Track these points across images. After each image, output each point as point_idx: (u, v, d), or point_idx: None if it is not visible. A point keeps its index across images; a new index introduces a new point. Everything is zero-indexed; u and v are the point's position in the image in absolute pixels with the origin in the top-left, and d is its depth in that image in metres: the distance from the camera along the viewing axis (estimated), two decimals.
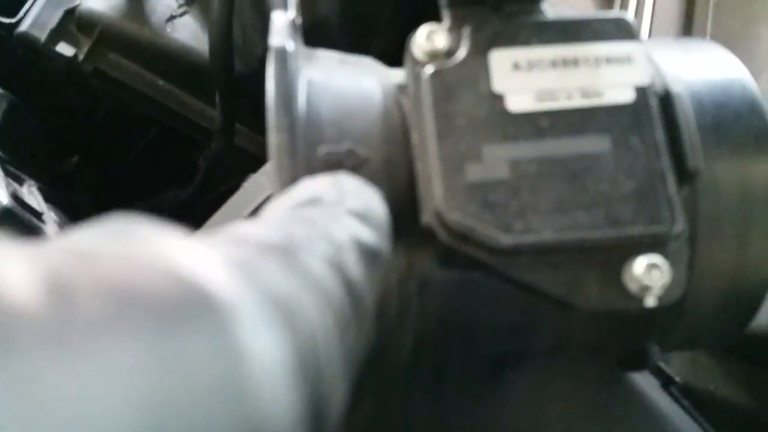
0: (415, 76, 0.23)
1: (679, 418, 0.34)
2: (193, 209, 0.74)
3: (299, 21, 0.26)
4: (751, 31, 0.51)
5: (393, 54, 0.26)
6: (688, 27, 0.55)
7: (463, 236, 0.21)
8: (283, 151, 0.21)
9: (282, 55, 0.22)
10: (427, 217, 0.21)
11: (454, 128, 0.21)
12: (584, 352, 0.31)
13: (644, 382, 0.36)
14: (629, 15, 0.23)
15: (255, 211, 0.41)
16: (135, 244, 0.11)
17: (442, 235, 0.21)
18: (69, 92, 0.67)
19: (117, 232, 0.11)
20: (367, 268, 0.15)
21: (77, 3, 0.61)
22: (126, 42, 0.61)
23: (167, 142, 0.73)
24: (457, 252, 0.21)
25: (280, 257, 0.13)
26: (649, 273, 0.20)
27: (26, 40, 0.60)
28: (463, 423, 0.32)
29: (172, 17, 0.61)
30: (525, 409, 0.33)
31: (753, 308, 0.25)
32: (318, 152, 0.22)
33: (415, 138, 0.22)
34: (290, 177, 0.21)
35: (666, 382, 0.36)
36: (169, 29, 0.60)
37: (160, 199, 0.75)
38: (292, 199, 0.16)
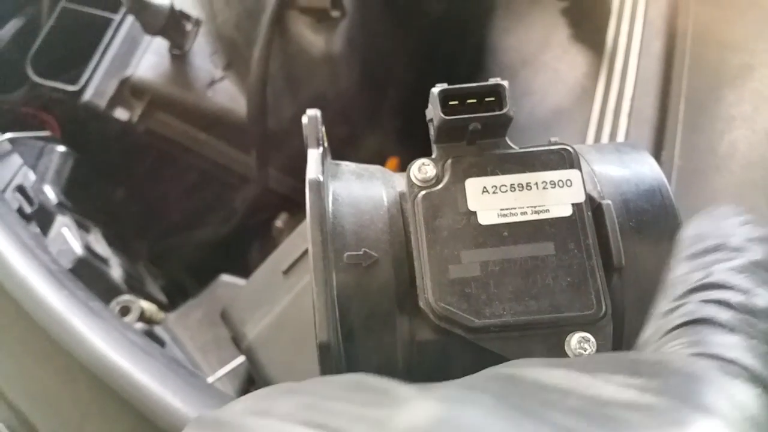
0: (412, 197, 0.31)
1: None
2: (231, 243, 0.83)
3: (326, 145, 0.35)
4: (719, 93, 0.59)
5: (405, 100, 0.33)
6: (666, 87, 0.62)
7: (447, 319, 0.29)
8: (318, 259, 0.29)
9: (315, 185, 0.31)
10: (421, 304, 0.29)
11: (440, 238, 0.30)
12: None
13: None
14: (570, 147, 0.31)
15: (290, 268, 0.49)
16: None
17: (432, 317, 0.29)
18: (123, 147, 0.77)
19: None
20: None
21: (130, 72, 0.70)
22: (173, 105, 0.70)
23: (207, 183, 0.82)
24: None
25: None
26: (581, 345, 0.28)
27: (89, 108, 0.69)
28: None
29: (213, 82, 0.70)
30: None
31: None
32: (343, 257, 0.30)
33: (413, 242, 0.31)
34: (323, 278, 0.29)
35: None
36: (210, 93, 0.69)
37: (200, 234, 0.84)
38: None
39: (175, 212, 0.85)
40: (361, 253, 0.31)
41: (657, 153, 0.57)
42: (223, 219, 0.81)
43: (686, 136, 0.57)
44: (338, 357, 0.29)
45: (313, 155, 0.32)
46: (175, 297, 0.73)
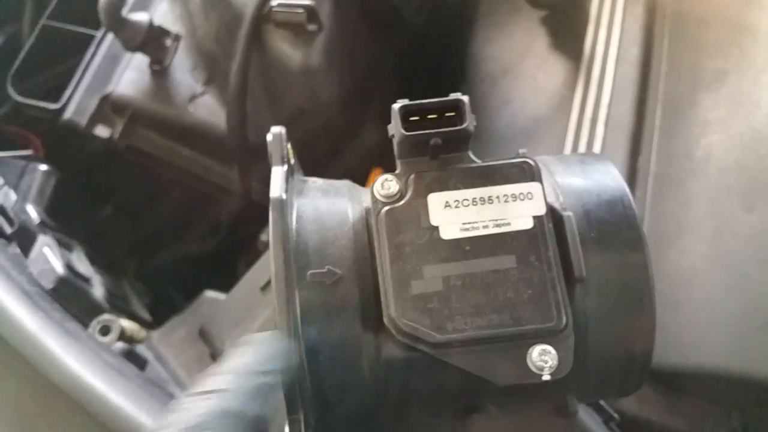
0: (376, 213, 0.31)
1: None
2: (217, 257, 0.83)
3: (294, 161, 0.35)
4: (695, 98, 0.59)
5: (388, 112, 0.33)
6: (643, 94, 0.62)
7: (411, 336, 0.29)
8: (280, 279, 0.29)
9: (278, 204, 0.31)
10: (385, 320, 0.29)
11: (402, 254, 0.30)
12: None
13: (589, 418, 0.44)
14: (531, 160, 0.31)
15: (267, 285, 0.49)
16: None
17: (395, 334, 0.29)
18: (105, 164, 0.77)
19: None
20: None
21: (111, 89, 0.70)
22: (154, 120, 0.70)
23: (192, 199, 0.82)
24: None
25: None
26: (542, 357, 0.29)
27: (70, 126, 0.70)
28: None
29: (193, 96, 0.70)
30: None
31: (642, 370, 0.33)
32: (306, 275, 0.30)
33: (376, 258, 0.31)
34: (285, 297, 0.29)
35: (606, 419, 0.43)
36: (191, 107, 0.70)
37: (186, 249, 0.84)
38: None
39: (160, 228, 0.85)
40: (324, 270, 0.31)
41: (633, 160, 0.57)
42: (209, 234, 0.81)
43: (662, 142, 0.57)
44: (302, 376, 0.29)
45: (277, 173, 0.32)
46: (161, 313, 0.72)
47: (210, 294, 0.66)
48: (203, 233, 0.82)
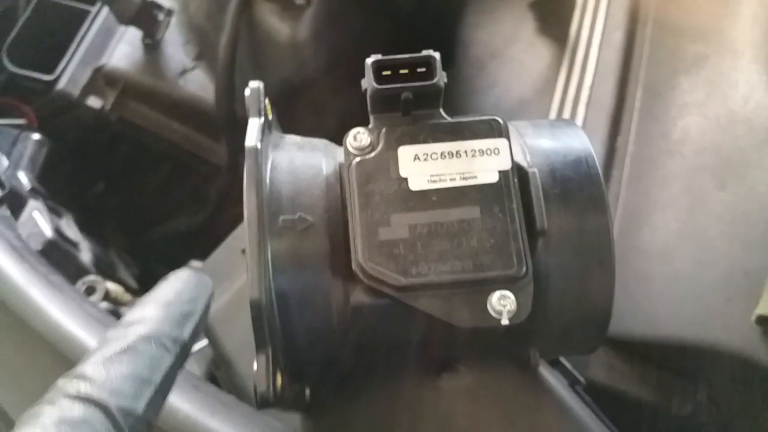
0: (348, 164, 0.32)
1: (578, 408, 0.43)
2: (205, 232, 0.84)
3: (272, 117, 0.36)
4: (674, 81, 0.60)
5: None
6: (624, 77, 0.63)
7: (376, 279, 0.30)
8: (252, 222, 0.30)
9: (253, 152, 0.32)
10: (353, 266, 0.31)
11: (372, 202, 0.31)
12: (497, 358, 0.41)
13: (554, 379, 0.45)
14: (500, 118, 0.33)
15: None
16: None
17: (362, 278, 0.30)
18: (96, 134, 0.78)
19: None
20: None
21: (104, 62, 0.71)
22: (145, 93, 0.71)
23: (181, 174, 0.83)
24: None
25: None
26: (501, 302, 0.30)
27: (63, 96, 0.71)
28: (410, 412, 0.41)
29: (184, 71, 0.71)
30: (458, 400, 0.42)
31: (602, 326, 0.34)
32: (278, 220, 0.31)
33: (348, 207, 0.32)
34: (257, 239, 0.30)
35: (572, 382, 0.45)
36: (182, 81, 0.71)
37: (175, 224, 0.85)
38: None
39: (149, 203, 0.86)
40: (296, 217, 0.32)
41: (612, 140, 0.58)
42: (197, 209, 0.82)
43: (641, 123, 0.58)
44: (271, 316, 0.31)
45: (254, 124, 0.33)
46: (147, 284, 0.73)
47: (196, 264, 0.67)
48: (191, 209, 0.83)
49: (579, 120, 0.61)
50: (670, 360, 0.51)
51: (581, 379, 0.45)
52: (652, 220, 0.53)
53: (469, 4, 0.82)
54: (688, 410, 0.50)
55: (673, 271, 0.50)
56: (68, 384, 0.20)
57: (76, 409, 0.19)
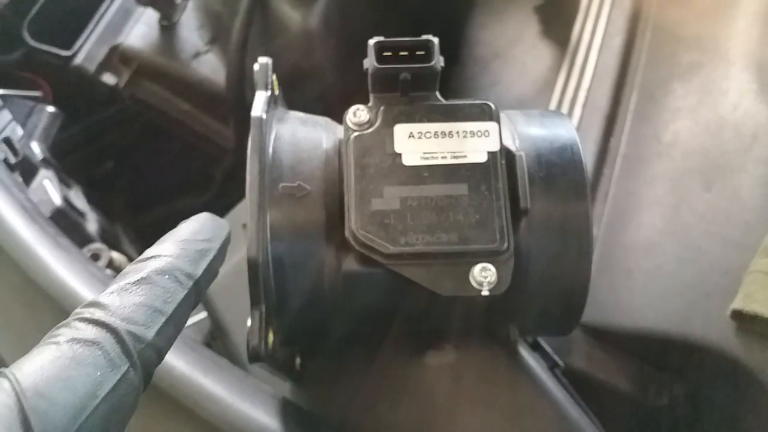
0: (346, 138, 0.34)
1: (555, 389, 0.45)
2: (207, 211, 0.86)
3: (278, 93, 0.38)
4: (669, 86, 0.62)
5: None
6: (621, 80, 0.66)
7: (367, 246, 0.32)
8: (254, 187, 0.33)
9: (258, 122, 0.34)
10: (346, 233, 0.33)
11: (366, 174, 0.33)
12: (478, 335, 0.43)
13: (534, 362, 0.47)
14: (492, 103, 0.35)
15: None
16: None
17: (354, 244, 0.32)
18: (110, 112, 0.80)
19: None
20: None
21: (120, 40, 0.74)
22: (159, 73, 0.73)
23: (189, 155, 0.85)
24: (365, 255, 0.33)
25: None
26: (483, 273, 0.32)
27: (79, 71, 0.73)
28: (395, 386, 0.43)
29: (197, 54, 0.73)
30: (442, 377, 0.44)
31: (578, 307, 0.36)
32: (278, 187, 0.34)
33: (344, 179, 0.34)
34: (258, 202, 0.32)
35: (552, 365, 0.47)
36: (194, 64, 0.73)
37: (180, 204, 0.87)
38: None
39: (158, 183, 0.88)
40: (295, 185, 0.34)
41: (605, 140, 0.60)
42: (202, 189, 0.84)
43: (635, 125, 0.60)
44: (266, 276, 0.33)
45: (261, 96, 0.36)
46: None
47: None
48: (197, 189, 0.85)
49: (575, 120, 0.63)
50: (648, 351, 0.52)
51: (560, 362, 0.47)
52: (638, 218, 0.55)
53: (476, 5, 0.84)
54: (663, 401, 0.52)
55: (656, 267, 0.52)
56: (84, 310, 0.23)
57: (89, 331, 0.21)
